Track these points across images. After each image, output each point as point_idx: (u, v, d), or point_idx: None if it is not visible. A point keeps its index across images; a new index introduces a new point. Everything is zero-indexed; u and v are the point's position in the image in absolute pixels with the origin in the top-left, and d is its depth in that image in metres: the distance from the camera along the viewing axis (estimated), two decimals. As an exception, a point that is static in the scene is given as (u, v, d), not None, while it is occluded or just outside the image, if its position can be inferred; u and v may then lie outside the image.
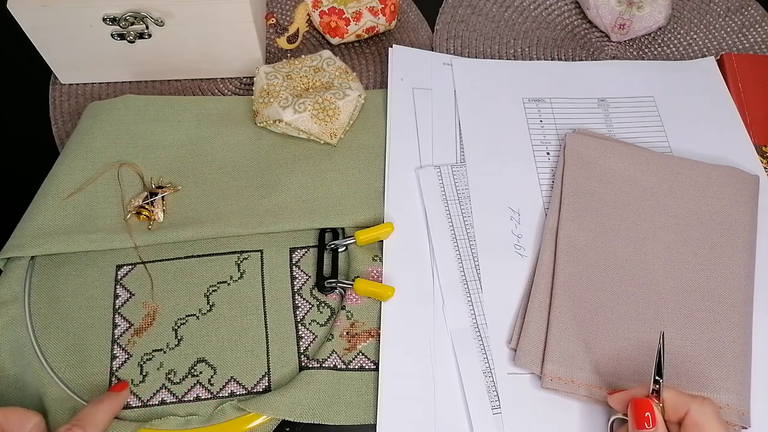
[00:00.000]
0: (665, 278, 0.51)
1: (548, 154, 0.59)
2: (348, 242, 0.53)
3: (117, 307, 0.50)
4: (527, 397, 0.47)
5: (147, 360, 0.48)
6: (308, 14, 0.67)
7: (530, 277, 0.52)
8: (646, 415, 0.40)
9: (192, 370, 0.48)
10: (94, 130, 0.58)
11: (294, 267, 0.53)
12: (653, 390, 0.41)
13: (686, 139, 0.61)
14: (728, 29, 0.72)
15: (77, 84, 0.65)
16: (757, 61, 0.66)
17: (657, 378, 0.41)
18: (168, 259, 0.52)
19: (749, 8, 0.73)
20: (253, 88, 0.60)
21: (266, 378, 0.48)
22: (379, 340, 0.49)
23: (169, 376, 0.48)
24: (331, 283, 0.51)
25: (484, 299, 0.51)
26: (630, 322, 0.49)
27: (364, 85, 0.65)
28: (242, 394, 0.48)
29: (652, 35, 0.71)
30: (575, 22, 0.72)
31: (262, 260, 0.53)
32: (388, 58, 0.64)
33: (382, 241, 0.53)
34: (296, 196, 0.55)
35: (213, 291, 0.51)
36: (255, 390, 0.48)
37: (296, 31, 0.67)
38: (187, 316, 0.50)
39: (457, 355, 0.49)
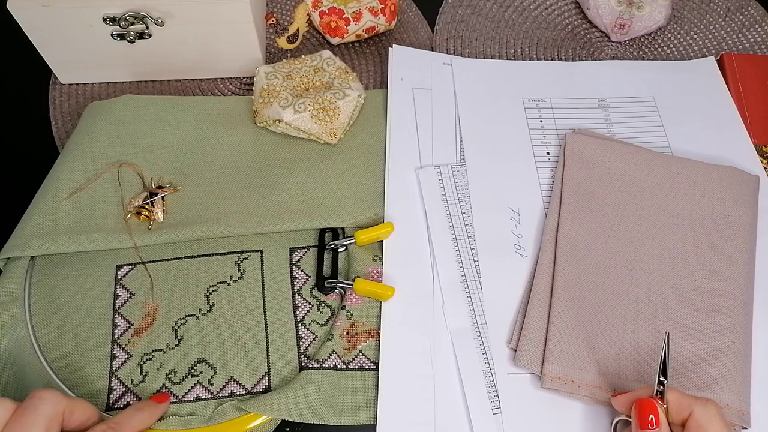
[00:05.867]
0: (665, 278, 0.51)
1: (548, 154, 0.59)
2: (348, 242, 0.53)
3: (117, 307, 0.50)
4: (527, 397, 0.47)
5: (147, 360, 0.48)
6: (308, 14, 0.67)
7: (530, 277, 0.52)
8: (650, 417, 0.40)
9: (192, 370, 0.48)
10: (94, 130, 0.58)
11: (294, 267, 0.53)
12: (657, 391, 0.41)
13: (686, 139, 0.61)
14: (728, 29, 0.72)
15: (77, 84, 0.65)
16: (757, 61, 0.67)
17: (661, 379, 0.41)
18: (168, 259, 0.52)
19: (749, 8, 0.73)
20: (253, 88, 0.60)
21: (266, 378, 0.48)
22: (379, 340, 0.49)
23: (169, 376, 0.48)
24: (331, 283, 0.51)
25: (484, 299, 0.51)
26: (630, 322, 0.49)
27: (364, 85, 0.65)
28: (242, 394, 0.48)
29: (652, 35, 0.71)
30: (575, 22, 0.72)
31: (262, 260, 0.53)
32: (388, 58, 0.64)
33: (382, 241, 0.53)
34: (296, 196, 0.55)
35: (213, 291, 0.51)
36: (255, 390, 0.48)
37: (296, 31, 0.67)
38: (187, 316, 0.50)
39: (457, 355, 0.49)
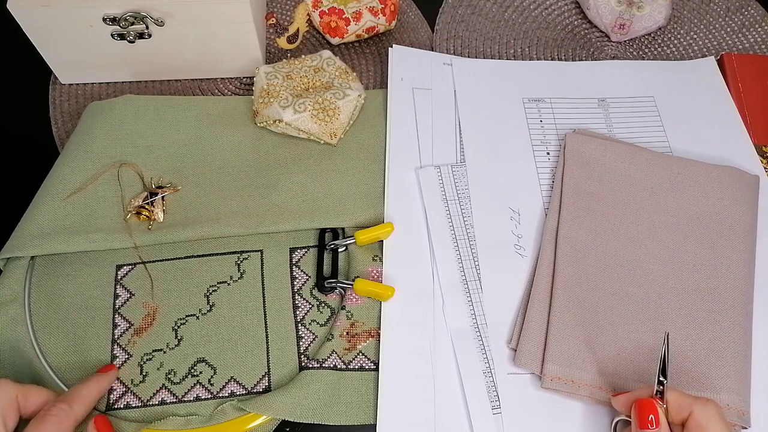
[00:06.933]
0: (665, 278, 0.51)
1: (548, 154, 0.59)
2: (348, 242, 0.53)
3: (117, 307, 0.50)
4: (527, 397, 0.47)
5: (147, 360, 0.48)
6: (308, 14, 0.67)
7: (530, 277, 0.52)
8: (650, 417, 0.40)
9: (192, 370, 0.48)
10: (94, 130, 0.58)
11: (294, 267, 0.53)
12: (657, 391, 0.41)
13: (686, 139, 0.61)
14: (728, 29, 0.72)
15: (77, 84, 0.65)
16: (757, 61, 0.67)
17: (661, 379, 0.41)
18: (168, 259, 0.52)
19: (749, 8, 0.73)
20: (253, 88, 0.60)
21: (266, 378, 0.48)
22: (379, 340, 0.49)
23: (169, 376, 0.48)
24: (331, 283, 0.51)
25: (484, 299, 0.51)
26: (630, 322, 0.49)
27: (364, 85, 0.65)
28: (242, 394, 0.48)
29: (652, 35, 0.71)
30: (575, 22, 0.72)
31: (262, 260, 0.53)
32: (388, 58, 0.64)
33: (382, 241, 0.53)
34: (296, 196, 0.55)
35: (213, 291, 0.51)
36: (255, 390, 0.48)
37: (296, 31, 0.67)
38: (187, 316, 0.50)
39: (457, 355, 0.49)
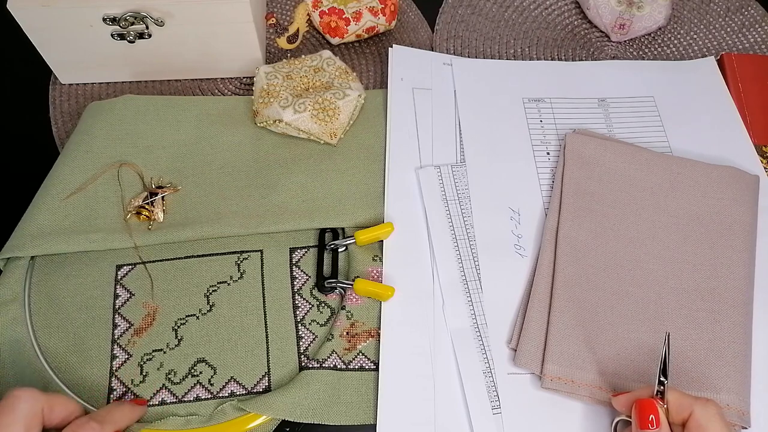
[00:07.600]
0: (665, 278, 0.51)
1: (548, 154, 0.59)
2: (348, 242, 0.53)
3: (117, 307, 0.50)
4: (527, 397, 0.47)
5: (147, 360, 0.48)
6: (308, 14, 0.67)
7: (530, 277, 0.52)
8: (650, 417, 0.40)
9: (192, 370, 0.48)
10: (94, 130, 0.58)
11: (294, 267, 0.53)
12: (657, 391, 0.41)
13: (686, 139, 0.61)
14: (728, 29, 0.72)
15: (77, 84, 0.65)
16: (757, 61, 0.67)
17: (662, 379, 0.41)
18: (168, 259, 0.52)
19: (749, 8, 0.73)
20: (253, 88, 0.60)
21: (266, 378, 0.48)
22: (379, 340, 0.49)
23: (169, 376, 0.48)
24: (331, 283, 0.51)
25: (484, 299, 0.51)
26: (630, 322, 0.49)
27: (364, 85, 0.65)
28: (242, 394, 0.48)
29: (652, 35, 0.71)
30: (575, 22, 0.72)
31: (262, 260, 0.53)
32: (388, 58, 0.64)
33: (382, 241, 0.53)
34: (296, 196, 0.55)
35: (213, 291, 0.51)
36: (255, 390, 0.48)
37: (296, 31, 0.67)
38: (187, 316, 0.50)
39: (457, 355, 0.49)
